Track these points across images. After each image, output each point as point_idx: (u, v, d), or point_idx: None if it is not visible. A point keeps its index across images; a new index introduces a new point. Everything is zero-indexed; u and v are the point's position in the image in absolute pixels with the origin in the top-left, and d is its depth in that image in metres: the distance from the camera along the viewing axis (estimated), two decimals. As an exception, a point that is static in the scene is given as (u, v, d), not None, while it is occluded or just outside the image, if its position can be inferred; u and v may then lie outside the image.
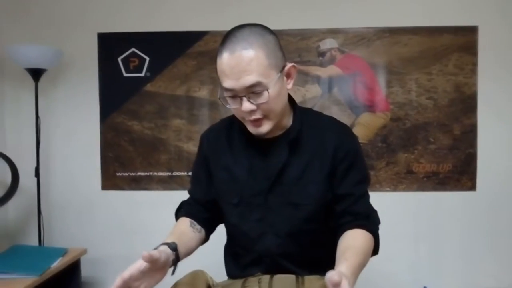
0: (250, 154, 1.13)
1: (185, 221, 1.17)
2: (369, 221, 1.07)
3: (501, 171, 2.32)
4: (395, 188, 2.34)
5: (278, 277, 1.07)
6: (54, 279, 1.95)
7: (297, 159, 1.10)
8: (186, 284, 1.04)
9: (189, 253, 1.11)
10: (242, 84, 0.96)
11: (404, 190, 2.34)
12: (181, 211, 1.23)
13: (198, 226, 1.18)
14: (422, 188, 2.34)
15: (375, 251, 1.08)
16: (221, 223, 1.25)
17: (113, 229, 2.45)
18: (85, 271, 2.26)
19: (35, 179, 2.28)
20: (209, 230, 1.23)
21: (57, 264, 1.92)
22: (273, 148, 1.11)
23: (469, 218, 2.33)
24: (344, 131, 1.15)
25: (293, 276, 1.07)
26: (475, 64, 2.30)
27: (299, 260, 1.11)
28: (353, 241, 1.01)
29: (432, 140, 2.32)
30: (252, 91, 0.97)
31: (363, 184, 1.11)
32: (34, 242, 2.36)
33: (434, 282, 2.28)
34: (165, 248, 0.97)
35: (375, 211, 1.12)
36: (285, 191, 1.09)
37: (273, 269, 1.10)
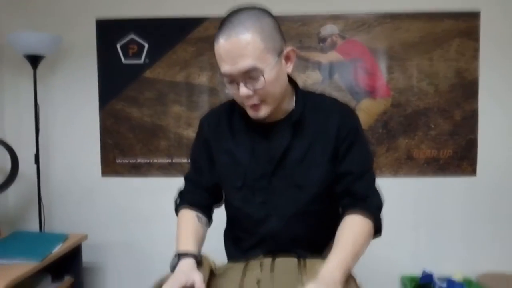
0: (252, 137, 1.12)
1: (193, 217, 1.16)
2: (366, 203, 1.07)
3: (502, 156, 2.32)
4: (395, 174, 2.34)
5: (280, 260, 1.08)
6: (55, 264, 1.96)
7: (299, 141, 1.09)
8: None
9: None
10: (238, 68, 0.96)
11: (404, 175, 2.34)
12: (183, 201, 1.21)
13: (204, 218, 1.18)
14: (422, 173, 2.34)
15: (378, 231, 1.09)
16: (218, 207, 1.25)
17: (113, 215, 2.46)
18: (86, 256, 2.27)
19: (35, 166, 2.27)
20: (211, 217, 1.23)
21: (58, 250, 1.93)
22: (276, 131, 1.11)
23: (469, 203, 2.34)
24: (346, 112, 1.14)
25: (295, 259, 1.08)
26: (476, 49, 2.29)
27: (303, 242, 1.12)
28: (347, 231, 1.02)
29: (432, 125, 2.32)
30: (249, 76, 0.97)
31: (364, 163, 1.11)
32: (35, 228, 2.37)
33: (434, 267, 2.29)
34: (195, 265, 1.00)
35: (376, 191, 1.11)
36: (288, 173, 1.09)
37: (276, 252, 1.10)
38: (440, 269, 2.29)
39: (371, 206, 1.07)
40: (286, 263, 1.06)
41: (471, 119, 2.31)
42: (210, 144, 1.19)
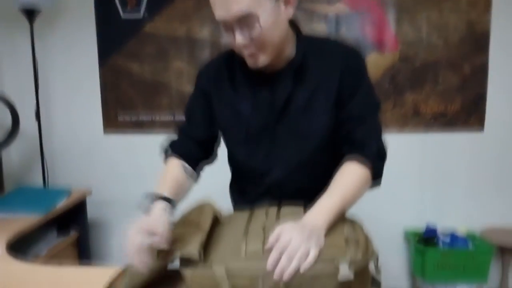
0: (253, 88, 1.08)
1: (178, 166, 1.12)
2: (364, 150, 1.03)
3: (510, 112, 2.28)
4: (401, 129, 2.31)
5: (286, 209, 1.06)
6: (61, 219, 1.97)
7: (303, 89, 1.05)
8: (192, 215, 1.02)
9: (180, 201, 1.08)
10: (231, 14, 0.90)
11: (410, 131, 2.31)
12: (173, 151, 1.16)
13: (190, 169, 1.13)
14: (429, 129, 2.30)
15: (376, 179, 1.05)
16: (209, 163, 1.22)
17: (116, 172, 2.47)
18: (90, 212, 2.29)
19: (36, 122, 2.26)
20: (200, 170, 1.19)
21: (63, 204, 1.94)
22: (277, 80, 1.06)
23: (476, 159, 2.32)
24: (350, 54, 1.07)
25: (301, 207, 1.06)
26: (488, 1, 2.20)
27: (309, 191, 1.09)
28: (339, 177, 0.99)
29: (440, 80, 2.26)
30: (244, 23, 0.91)
31: (366, 108, 1.06)
32: (39, 184, 2.38)
33: (438, 221, 2.31)
34: (165, 215, 0.95)
35: (378, 138, 1.07)
36: (291, 122, 1.06)
37: (282, 201, 1.09)
38: (444, 224, 2.30)
39: (369, 153, 1.03)
40: (292, 211, 1.05)
41: (480, 73, 2.25)
42: (209, 96, 1.14)
